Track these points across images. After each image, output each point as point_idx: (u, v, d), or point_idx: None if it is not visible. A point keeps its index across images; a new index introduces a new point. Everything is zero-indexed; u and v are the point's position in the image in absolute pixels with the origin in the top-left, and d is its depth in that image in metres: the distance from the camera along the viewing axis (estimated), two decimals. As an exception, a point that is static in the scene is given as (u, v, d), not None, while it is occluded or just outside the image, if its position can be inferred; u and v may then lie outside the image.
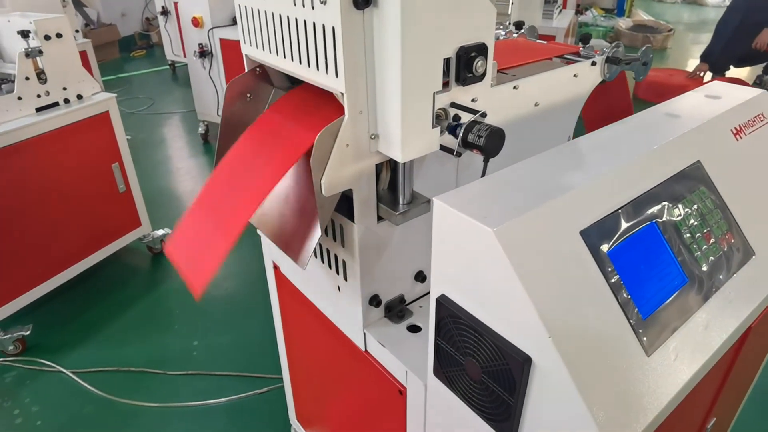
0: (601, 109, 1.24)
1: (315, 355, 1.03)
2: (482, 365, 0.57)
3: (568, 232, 0.56)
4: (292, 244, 0.72)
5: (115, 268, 2.18)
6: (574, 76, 0.93)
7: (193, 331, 1.84)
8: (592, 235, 0.57)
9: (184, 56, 3.38)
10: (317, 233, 0.68)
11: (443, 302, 0.59)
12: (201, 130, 3.31)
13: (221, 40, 2.93)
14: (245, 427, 1.47)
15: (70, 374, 1.68)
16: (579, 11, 5.89)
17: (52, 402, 1.60)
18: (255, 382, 1.62)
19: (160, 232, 2.23)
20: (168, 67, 4.83)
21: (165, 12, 3.72)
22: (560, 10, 3.20)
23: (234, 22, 2.97)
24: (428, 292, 0.86)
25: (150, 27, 5.69)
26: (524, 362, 0.52)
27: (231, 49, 2.94)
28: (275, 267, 1.04)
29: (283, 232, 0.74)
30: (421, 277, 0.83)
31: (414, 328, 0.80)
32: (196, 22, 2.95)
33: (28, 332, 1.78)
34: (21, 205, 1.73)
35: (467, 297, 0.57)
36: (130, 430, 1.49)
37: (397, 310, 0.82)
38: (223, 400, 1.56)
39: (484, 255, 0.52)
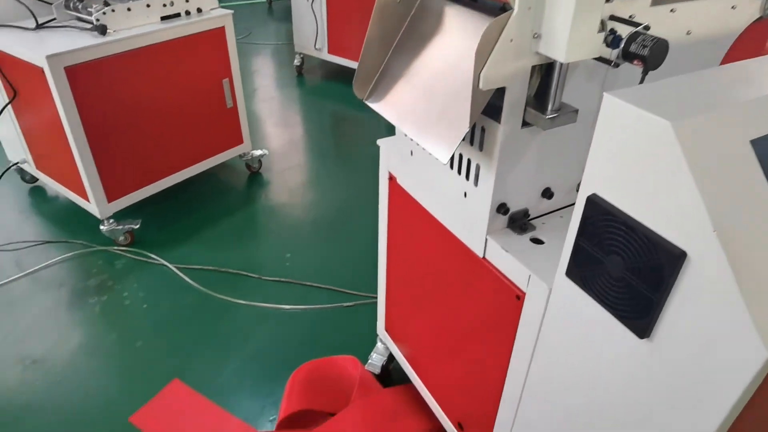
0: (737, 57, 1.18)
1: (420, 266, 1.07)
2: (627, 262, 0.58)
3: (739, 139, 0.55)
4: (435, 139, 0.75)
5: (214, 182, 2.32)
6: (732, 7, 0.88)
7: (286, 245, 1.95)
8: (762, 146, 0.56)
9: (287, -13, 3.41)
10: (465, 127, 0.71)
11: (595, 200, 0.60)
12: (296, 62, 3.38)
13: (327, -28, 2.95)
14: (330, 333, 1.57)
15: (173, 268, 1.83)
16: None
17: (157, 290, 1.75)
18: (342, 296, 1.70)
19: (258, 152, 2.34)
20: (265, 1, 4.92)
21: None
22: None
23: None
24: (552, 211, 0.87)
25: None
26: (679, 257, 0.53)
27: (336, -19, 2.96)
28: (391, 178, 1.08)
29: (427, 128, 0.77)
30: (548, 193, 0.84)
31: (537, 241, 0.82)
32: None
33: (137, 226, 1.95)
34: (138, 108, 1.85)
35: (622, 195, 0.58)
36: (225, 322, 1.62)
37: (520, 222, 0.84)
38: (311, 307, 1.66)
39: (655, 149, 0.53)
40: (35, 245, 1.97)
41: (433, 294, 1.05)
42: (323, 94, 3.21)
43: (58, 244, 1.97)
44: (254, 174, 2.38)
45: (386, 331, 1.32)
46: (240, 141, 2.24)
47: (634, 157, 0.55)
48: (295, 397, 1.27)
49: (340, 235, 2.01)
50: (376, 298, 1.69)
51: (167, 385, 1.41)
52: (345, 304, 1.67)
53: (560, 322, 0.72)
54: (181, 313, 1.66)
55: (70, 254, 1.91)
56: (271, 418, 1.33)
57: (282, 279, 1.78)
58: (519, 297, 0.79)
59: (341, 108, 3.05)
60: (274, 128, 2.82)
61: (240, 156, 2.29)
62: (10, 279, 1.79)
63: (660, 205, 0.54)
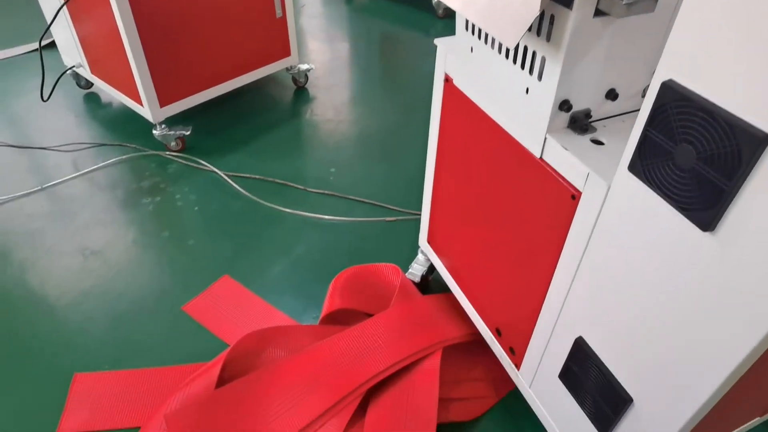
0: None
1: (470, 173, 1.06)
2: (700, 150, 0.56)
3: None
4: (502, 24, 0.72)
5: (261, 95, 2.33)
6: None
7: (330, 160, 1.96)
8: None
9: None
10: (535, 10, 0.67)
11: (670, 86, 0.57)
12: (345, -22, 3.26)
13: None
14: (371, 245, 1.60)
15: (222, 175, 1.88)
16: None
17: (207, 194, 1.81)
18: (384, 211, 1.72)
19: (305, 66, 2.31)
20: None
21: None
22: None
23: None
24: (614, 115, 0.84)
25: None
26: (761, 141, 0.50)
27: None
28: (447, 80, 1.05)
29: (493, 13, 0.73)
30: (612, 95, 0.81)
31: (597, 142, 0.79)
32: None
33: (188, 133, 1.99)
34: (190, 14, 1.84)
35: (702, 79, 0.55)
36: (271, 228, 1.67)
37: (582, 123, 0.81)
38: (354, 219, 1.69)
39: (752, 22, 0.49)
40: (91, 147, 2.04)
41: (482, 201, 1.05)
42: (372, 13, 3.11)
43: (112, 147, 2.04)
44: (300, 89, 2.37)
45: (428, 242, 1.34)
46: (287, 53, 2.21)
47: (724, 35, 0.52)
48: (337, 297, 1.32)
49: (384, 153, 2.00)
50: (417, 214, 1.70)
51: (217, 280, 1.48)
52: (387, 219, 1.69)
53: (617, 220, 0.71)
54: (230, 218, 1.71)
55: (125, 157, 1.98)
56: (313, 315, 1.39)
57: (326, 191, 1.81)
58: (574, 197, 0.78)
59: (390, 27, 2.95)
60: (321, 44, 2.77)
61: (287, 69, 2.28)
62: (67, 178, 1.88)
63: (744, 87, 0.51)
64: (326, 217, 1.70)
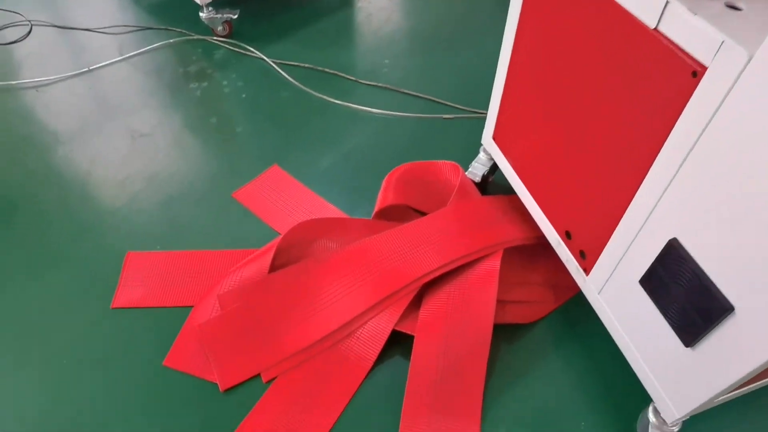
0: None
1: (557, 57, 0.94)
2: None
3: None
4: None
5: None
6: None
7: (384, 52, 1.83)
8: None
9: None
10: None
11: None
12: None
13: None
14: (427, 142, 1.51)
15: (270, 62, 1.78)
16: None
17: (254, 81, 1.72)
18: (441, 108, 1.61)
19: (360, -53, 2.11)
20: None
21: None
22: None
23: None
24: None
25: None
26: None
27: None
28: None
29: None
30: (758, -51, 0.66)
31: (733, 8, 0.66)
32: None
33: (236, 16, 1.87)
34: None
35: None
36: (321, 120, 1.59)
37: (713, -16, 0.67)
38: (408, 114, 1.59)
39: None
40: (136, 30, 1.95)
41: (568, 89, 0.93)
42: None
43: (158, 30, 1.95)
44: (354, -26, 2.18)
45: (493, 140, 1.24)
46: (343, -70, 2.02)
47: None
48: (391, 193, 1.25)
49: (442, 46, 1.85)
50: (476, 112, 1.59)
51: (267, 169, 1.43)
52: (444, 116, 1.58)
53: (753, 101, 0.60)
54: (279, 106, 1.63)
55: (171, 41, 1.89)
56: (364, 211, 1.33)
57: (379, 84, 1.69)
58: (696, 73, 0.66)
59: None
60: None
61: (341, -50, 2.08)
62: (113, 60, 1.81)
63: None
64: (378, 111, 1.61)
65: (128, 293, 1.16)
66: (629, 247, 0.86)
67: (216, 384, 1.03)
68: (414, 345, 1.04)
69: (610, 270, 0.93)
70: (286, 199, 1.35)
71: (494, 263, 1.09)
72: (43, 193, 1.38)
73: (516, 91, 1.10)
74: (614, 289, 0.93)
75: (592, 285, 1.00)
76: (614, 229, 0.89)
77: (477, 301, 1.06)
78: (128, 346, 1.09)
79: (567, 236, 1.04)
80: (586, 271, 1.01)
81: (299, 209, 1.33)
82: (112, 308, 1.14)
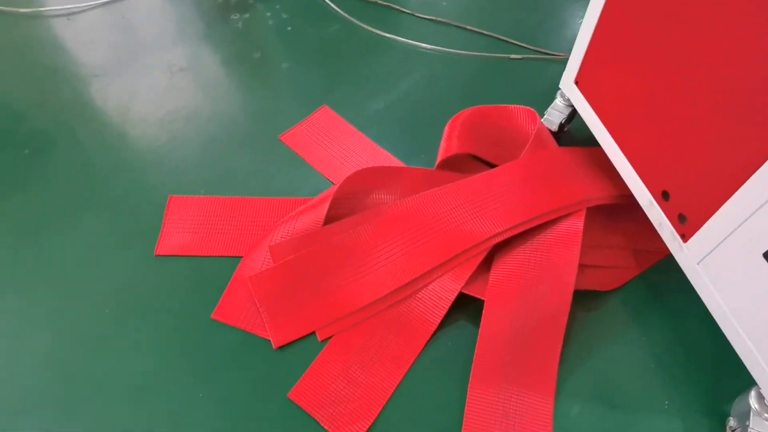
0: None
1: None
2: None
3: None
4: None
5: None
6: None
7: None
8: None
9: None
10: None
11: None
12: None
13: None
14: (492, 84, 1.37)
15: (317, -8, 1.62)
16: None
17: (300, 13, 1.58)
18: (508, 47, 1.46)
19: None
20: None
21: None
22: None
23: None
24: None
25: None
26: None
27: None
28: None
29: None
30: None
31: None
32: None
33: (279, -61, 1.70)
34: None
35: None
36: (373, 57, 1.45)
37: None
38: (471, 53, 1.44)
39: None
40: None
41: (687, 22, 0.78)
42: None
43: (193, -47, 1.79)
44: None
45: (576, 84, 1.09)
46: None
47: None
48: (455, 140, 1.13)
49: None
50: (548, 53, 1.43)
51: (316, 110, 1.31)
52: (512, 56, 1.43)
53: None
54: (327, 42, 1.49)
55: (207, -35, 1.74)
56: (423, 159, 1.22)
57: (438, 18, 1.53)
58: None
59: None
60: None
61: None
62: (149, -15, 1.68)
63: None
64: (437, 48, 1.46)
65: (172, 240, 1.09)
66: (754, 213, 0.74)
67: (268, 341, 0.96)
68: (484, 309, 0.95)
69: (720, 238, 0.81)
70: (338, 144, 1.24)
71: (577, 224, 0.97)
72: (80, 129, 1.30)
73: (614, 26, 0.95)
74: (722, 260, 0.82)
75: (690, 254, 0.88)
76: (734, 191, 0.77)
77: (556, 264, 0.96)
78: (173, 297, 1.02)
79: (664, 197, 0.92)
80: (685, 237, 0.89)
81: (352, 156, 1.22)
82: (156, 255, 1.07)
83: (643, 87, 0.91)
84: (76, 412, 0.89)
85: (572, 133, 1.23)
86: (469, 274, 0.96)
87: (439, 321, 0.95)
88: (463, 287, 0.96)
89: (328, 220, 1.03)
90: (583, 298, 1.00)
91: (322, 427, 0.87)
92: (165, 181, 1.19)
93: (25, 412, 0.89)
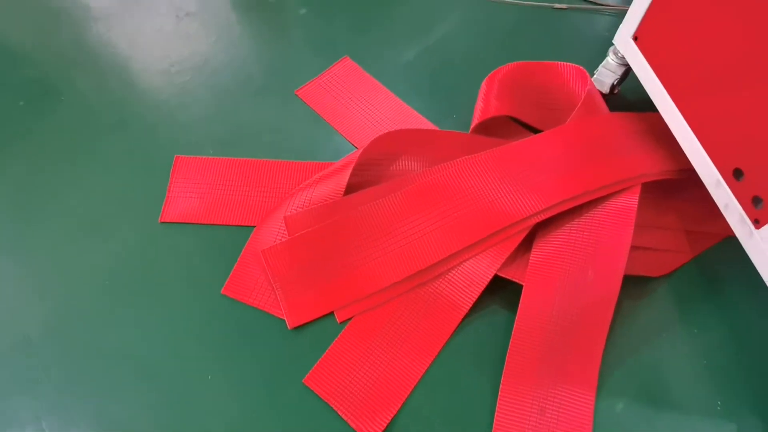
0: None
1: None
2: None
3: None
4: None
5: None
6: None
7: None
8: None
9: None
10: None
11: None
12: None
13: None
14: (533, 37, 1.23)
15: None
16: None
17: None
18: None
19: None
20: None
21: None
22: None
23: None
24: None
25: None
26: None
27: None
28: None
29: None
30: None
31: None
32: None
33: None
34: None
35: None
36: (401, 1, 1.30)
37: None
38: (510, 0, 1.29)
39: None
40: None
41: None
42: None
43: None
44: None
45: (634, 40, 0.95)
46: None
47: None
48: (494, 100, 1.01)
49: None
50: (600, 4, 1.27)
51: (337, 62, 1.19)
52: (556, 5, 1.28)
53: None
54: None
55: None
56: (456, 120, 1.10)
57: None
58: None
59: None
60: None
61: None
62: None
63: None
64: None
65: (178, 206, 1.00)
66: None
67: (282, 320, 0.88)
68: (522, 295, 0.85)
69: (805, 228, 0.70)
70: (361, 101, 1.12)
71: (630, 201, 0.86)
72: (78, 80, 1.19)
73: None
74: (806, 254, 0.71)
75: (763, 242, 0.77)
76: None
77: (605, 247, 0.86)
78: (179, 269, 0.94)
79: (735, 176, 0.80)
80: (759, 223, 0.78)
81: (377, 115, 1.10)
82: (160, 222, 0.98)
83: (719, 44, 0.78)
84: (73, 392, 0.83)
85: (623, 95, 1.10)
86: (507, 255, 0.86)
87: (470, 305, 0.86)
88: (498, 269, 0.86)
89: (350, 188, 0.93)
90: (628, 285, 0.89)
91: (340, 417, 0.80)
92: (171, 140, 1.09)
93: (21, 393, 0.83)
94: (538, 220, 0.88)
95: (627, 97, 1.09)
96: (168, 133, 1.10)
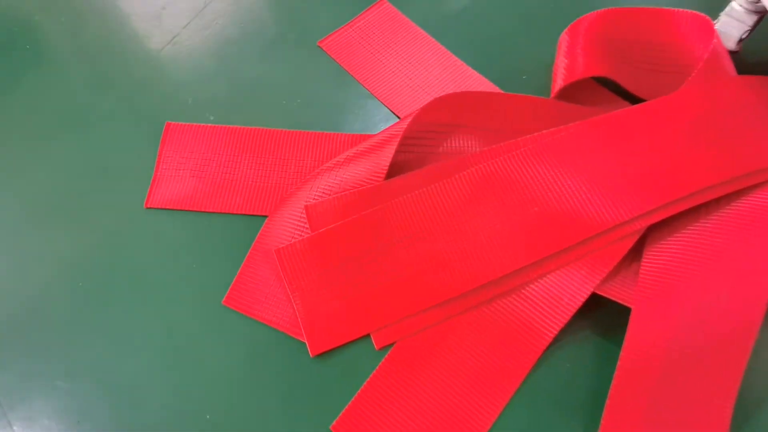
0: None
1: None
2: None
3: None
4: None
5: None
6: None
7: None
8: None
9: None
10: None
11: None
12: None
13: None
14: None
15: None
16: None
17: None
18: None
19: None
20: None
21: None
22: None
23: None
24: None
25: None
26: None
27: None
28: None
29: None
30: None
31: None
32: None
33: None
34: None
35: None
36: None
37: None
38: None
39: None
40: None
41: None
42: None
43: None
44: None
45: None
46: None
47: None
48: (581, 57, 0.77)
49: None
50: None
51: (370, 6, 0.94)
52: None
53: None
54: None
55: None
56: (523, 77, 0.86)
57: None
58: None
59: None
60: None
61: None
62: None
63: None
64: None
65: (168, 187, 0.78)
66: None
67: (302, 343, 0.67)
68: (630, 321, 0.63)
69: None
70: (401, 56, 0.88)
71: (771, 198, 0.63)
72: (49, 24, 0.96)
73: None
74: None
75: None
76: None
77: (740, 258, 0.63)
78: (167, 271, 0.72)
79: None
80: None
81: (422, 73, 0.86)
82: (146, 208, 0.77)
83: None
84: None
85: (744, 55, 0.85)
86: (609, 268, 0.63)
87: (556, 332, 0.64)
88: (596, 286, 0.64)
89: (390, 170, 0.70)
90: None
91: (380, 483, 0.60)
92: (162, 102, 0.86)
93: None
94: (649, 223, 0.65)
95: (750, 56, 0.84)
96: (157, 94, 0.87)
